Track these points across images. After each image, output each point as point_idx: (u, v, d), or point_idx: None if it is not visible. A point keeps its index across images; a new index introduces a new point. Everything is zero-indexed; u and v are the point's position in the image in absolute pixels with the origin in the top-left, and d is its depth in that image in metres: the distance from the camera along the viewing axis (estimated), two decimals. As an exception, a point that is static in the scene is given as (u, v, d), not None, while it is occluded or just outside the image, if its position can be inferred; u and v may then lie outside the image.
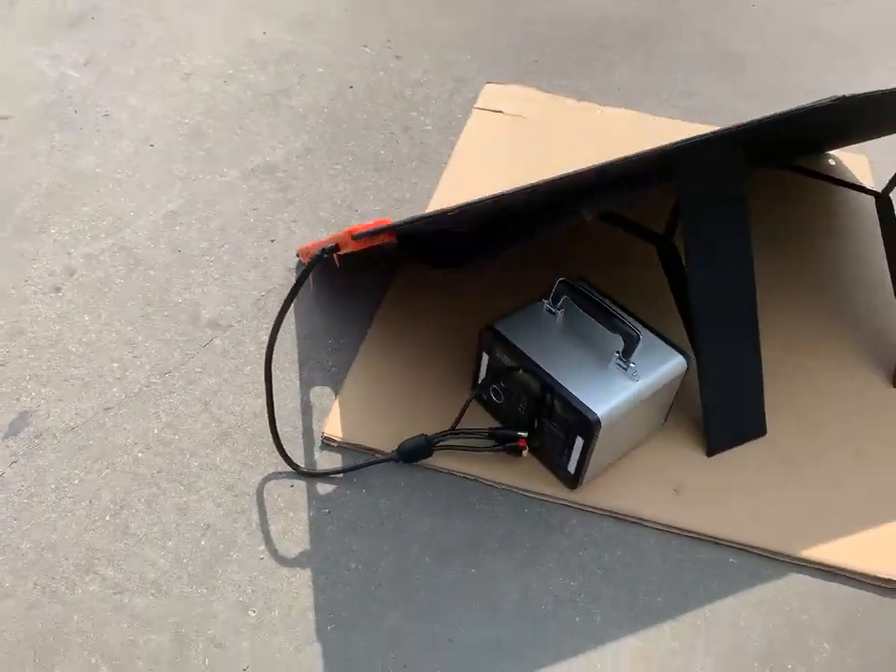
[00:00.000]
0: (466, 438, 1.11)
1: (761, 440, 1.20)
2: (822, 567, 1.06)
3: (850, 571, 1.05)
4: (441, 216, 0.88)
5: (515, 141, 1.72)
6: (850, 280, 1.47)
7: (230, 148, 1.66)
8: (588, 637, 0.98)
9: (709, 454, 1.17)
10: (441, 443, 1.11)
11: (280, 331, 1.02)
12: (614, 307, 1.07)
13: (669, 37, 2.18)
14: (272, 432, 1.08)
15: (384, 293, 1.36)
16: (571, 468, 1.07)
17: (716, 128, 1.01)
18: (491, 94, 1.86)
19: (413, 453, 1.10)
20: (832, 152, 1.77)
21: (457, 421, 1.12)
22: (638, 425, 1.11)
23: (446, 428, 1.11)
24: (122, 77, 1.83)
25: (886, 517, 1.12)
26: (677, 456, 1.16)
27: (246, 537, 1.04)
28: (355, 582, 1.01)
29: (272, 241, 1.46)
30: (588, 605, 1.01)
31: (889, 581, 1.05)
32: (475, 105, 1.83)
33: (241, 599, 0.98)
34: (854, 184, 1.55)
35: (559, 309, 1.10)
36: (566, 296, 1.09)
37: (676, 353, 1.08)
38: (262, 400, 1.17)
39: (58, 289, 1.34)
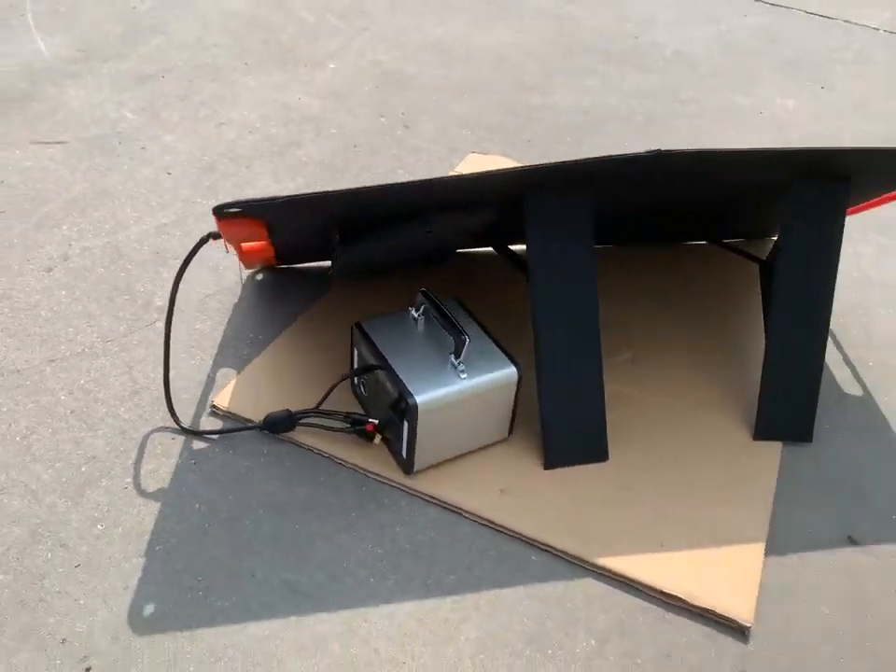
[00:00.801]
0: (326, 418, 1.27)
1: (603, 464, 1.29)
2: (615, 577, 1.13)
3: (639, 583, 1.12)
4: (290, 199, 1.08)
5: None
6: (733, 336, 1.54)
7: (232, 182, 1.95)
8: (374, 595, 1.09)
9: (546, 467, 1.27)
10: (304, 420, 1.27)
11: (214, 321, 1.24)
12: (459, 317, 1.22)
13: (668, 133, 2.35)
14: (165, 391, 1.28)
15: (315, 300, 1.55)
16: (404, 452, 1.20)
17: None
18: (472, 161, 2.08)
19: (276, 424, 1.27)
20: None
21: (320, 402, 1.28)
22: (471, 425, 1.23)
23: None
24: (167, 121, 2.18)
25: (694, 544, 1.18)
26: (515, 464, 1.27)
27: (120, 470, 1.23)
28: (194, 519, 1.17)
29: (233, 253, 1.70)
30: (386, 570, 1.12)
31: (673, 596, 1.10)
32: (453, 170, 2.05)
33: (95, 515, 1.16)
34: (743, 251, 1.63)
35: (420, 315, 1.26)
36: (424, 304, 1.25)
37: (509, 363, 1.21)
38: (175, 372, 1.39)
39: (50, 270, 1.62)
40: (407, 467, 1.22)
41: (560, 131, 2.31)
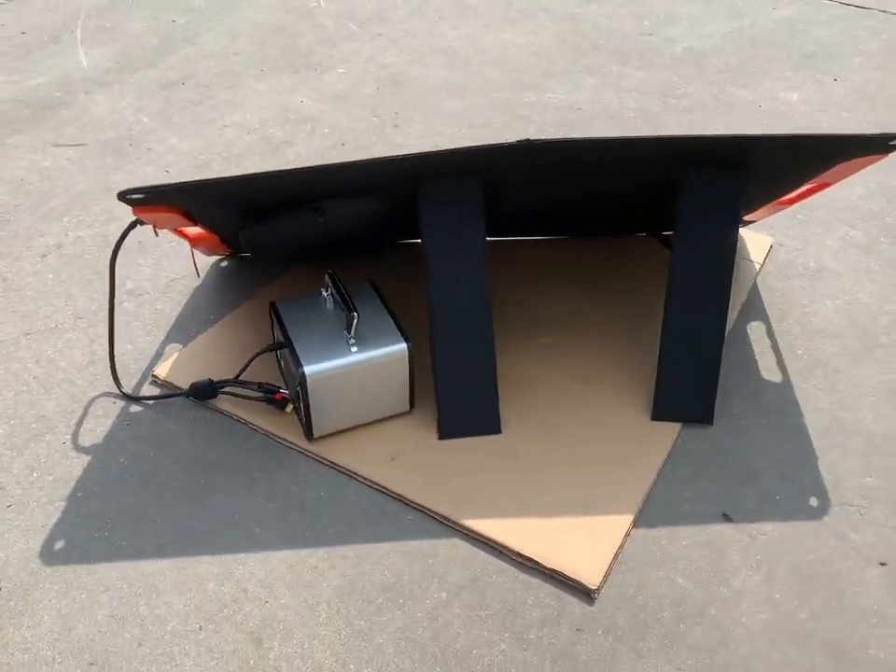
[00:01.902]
0: (243, 388, 1.40)
1: (496, 437, 1.36)
2: (479, 538, 1.21)
3: (499, 544, 1.20)
4: (197, 184, 1.21)
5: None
6: (656, 323, 1.57)
7: (221, 179, 2.12)
8: (256, 543, 1.22)
9: (440, 437, 1.36)
10: (225, 389, 1.41)
11: (174, 302, 1.53)
12: (364, 298, 1.34)
13: (654, 128, 2.38)
14: (110, 362, 1.45)
15: (268, 284, 1.69)
16: (304, 419, 1.32)
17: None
18: (449, 158, 2.18)
19: (200, 392, 1.41)
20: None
21: (239, 374, 1.41)
22: (367, 396, 1.34)
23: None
24: (178, 124, 2.37)
25: (563, 512, 1.24)
26: (411, 434, 1.36)
27: (63, 428, 1.40)
28: (115, 471, 1.33)
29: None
30: (272, 523, 1.25)
31: (528, 557, 1.18)
32: (429, 165, 2.15)
33: (33, 465, 1.34)
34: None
35: (329, 296, 1.38)
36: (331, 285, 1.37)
37: (400, 339, 1.31)
38: (131, 346, 1.56)
39: (44, 256, 1.82)
40: (308, 433, 1.33)
41: (546, 128, 2.37)
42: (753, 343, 1.59)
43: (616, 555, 1.19)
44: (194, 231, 1.48)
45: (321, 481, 1.31)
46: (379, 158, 1.21)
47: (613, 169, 1.35)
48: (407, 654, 1.08)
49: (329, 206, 1.28)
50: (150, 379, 1.50)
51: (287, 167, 2.17)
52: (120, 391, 1.45)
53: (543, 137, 1.19)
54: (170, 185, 1.17)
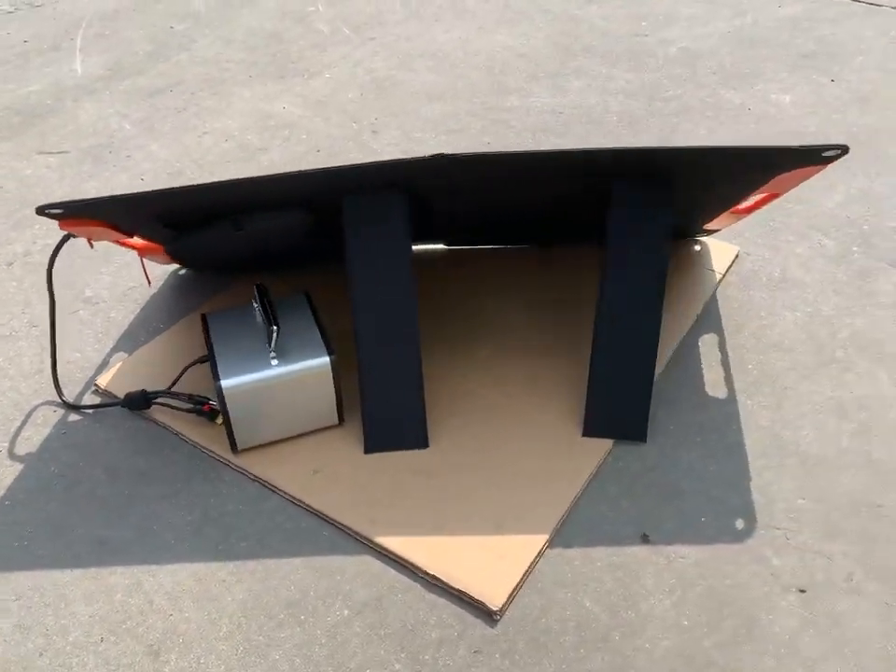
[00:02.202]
0: (174, 399, 1.41)
1: (423, 451, 1.35)
2: (389, 555, 1.20)
3: (408, 562, 1.19)
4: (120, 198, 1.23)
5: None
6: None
7: (192, 187, 2.14)
8: (169, 555, 1.23)
9: (366, 451, 1.35)
10: (158, 400, 1.42)
11: (128, 310, 1.56)
12: (294, 310, 1.34)
13: (634, 132, 2.33)
14: (52, 370, 1.47)
15: (220, 293, 1.70)
16: (228, 431, 1.33)
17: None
18: (419, 164, 2.17)
19: (134, 402, 1.42)
20: (703, 238, 1.83)
21: (171, 385, 1.43)
22: (291, 409, 1.33)
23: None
24: (158, 132, 2.41)
25: (477, 531, 1.23)
26: (338, 447, 1.36)
27: (1, 436, 1.43)
28: (44, 479, 1.35)
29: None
30: (187, 535, 1.25)
31: (434, 577, 1.16)
32: (399, 172, 2.14)
33: (-32, 470, 1.37)
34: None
35: (258, 308, 1.38)
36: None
37: (323, 353, 1.31)
38: (80, 355, 1.58)
39: (10, 264, 1.86)
40: (232, 445, 1.34)
41: (523, 133, 2.35)
42: (703, 356, 1.55)
43: (525, 576, 1.17)
44: (142, 241, 1.49)
45: (242, 494, 1.31)
46: (294, 171, 1.21)
47: (541, 182, 1.33)
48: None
49: (248, 220, 1.28)
50: (92, 388, 1.52)
51: (260, 174, 2.18)
52: (61, 400, 1.48)
53: (464, 152, 1.17)
54: (85, 200, 1.18)
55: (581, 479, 1.30)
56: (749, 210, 1.63)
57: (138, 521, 1.28)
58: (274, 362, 1.29)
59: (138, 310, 1.72)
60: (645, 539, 1.23)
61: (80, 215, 1.25)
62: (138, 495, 1.32)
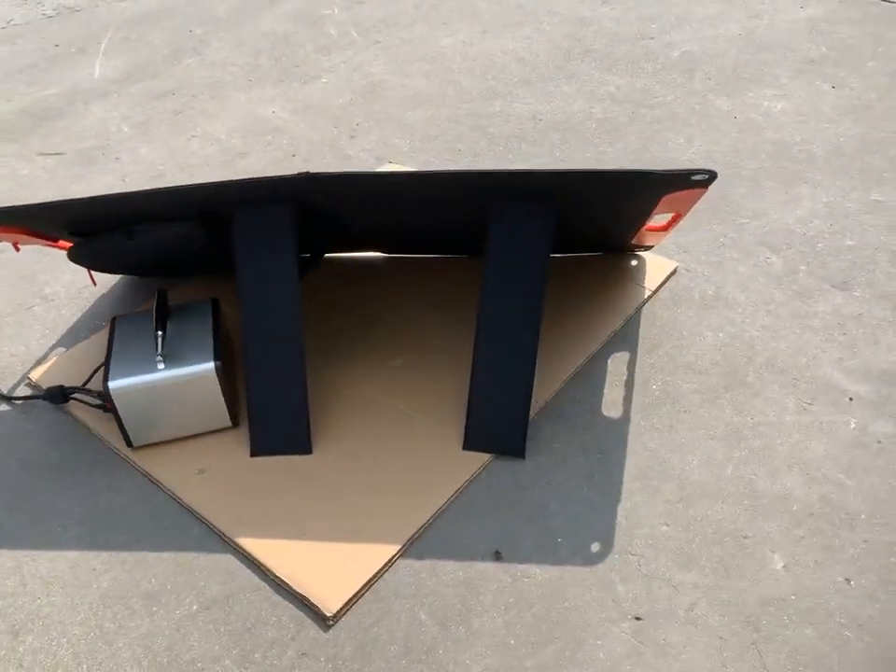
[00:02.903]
0: (87, 395, 1.50)
1: (306, 457, 1.40)
2: (247, 556, 1.26)
3: (260, 563, 1.24)
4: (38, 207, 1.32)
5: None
6: None
7: (168, 189, 2.24)
8: (53, 542, 1.31)
9: (251, 454, 1.41)
10: (74, 395, 1.52)
11: (77, 308, 1.69)
12: (194, 315, 1.41)
13: (611, 140, 2.31)
14: (-12, 363, 1.59)
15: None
16: (121, 428, 1.41)
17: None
18: (385, 170, 2.21)
19: (53, 396, 1.52)
20: (642, 253, 1.81)
21: (86, 382, 1.52)
22: (180, 411, 1.40)
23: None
24: (152, 134, 2.53)
25: (333, 537, 1.26)
26: (228, 449, 1.42)
27: (-62, 422, 1.56)
28: (-35, 465, 1.47)
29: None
30: (73, 525, 1.34)
31: (280, 579, 1.21)
32: (361, 178, 2.19)
33: None
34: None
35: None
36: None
37: (209, 359, 1.37)
38: (24, 349, 1.70)
39: (-13, 260, 2.01)
40: (126, 441, 1.42)
41: (497, 140, 2.35)
42: (608, 374, 1.54)
43: (369, 584, 1.21)
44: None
45: (132, 488, 1.39)
46: (183, 185, 1.28)
47: (429, 202, 1.35)
48: (136, 661, 1.15)
49: (142, 230, 1.35)
50: (26, 381, 1.63)
51: (242, 173, 2.27)
52: (-4, 391, 1.59)
53: (317, 171, 1.21)
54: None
55: (448, 491, 1.32)
56: (667, 227, 1.60)
57: (35, 509, 1.38)
58: (161, 366, 1.36)
59: (87, 308, 1.82)
60: (497, 557, 1.24)
61: (-5, 222, 1.35)
62: (42, 484, 1.42)
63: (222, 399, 1.41)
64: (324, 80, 2.80)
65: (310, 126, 2.51)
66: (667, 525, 1.27)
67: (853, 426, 1.41)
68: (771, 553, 1.22)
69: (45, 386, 1.59)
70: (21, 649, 1.17)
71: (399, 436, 1.43)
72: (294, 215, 1.35)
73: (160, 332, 1.35)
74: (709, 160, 2.19)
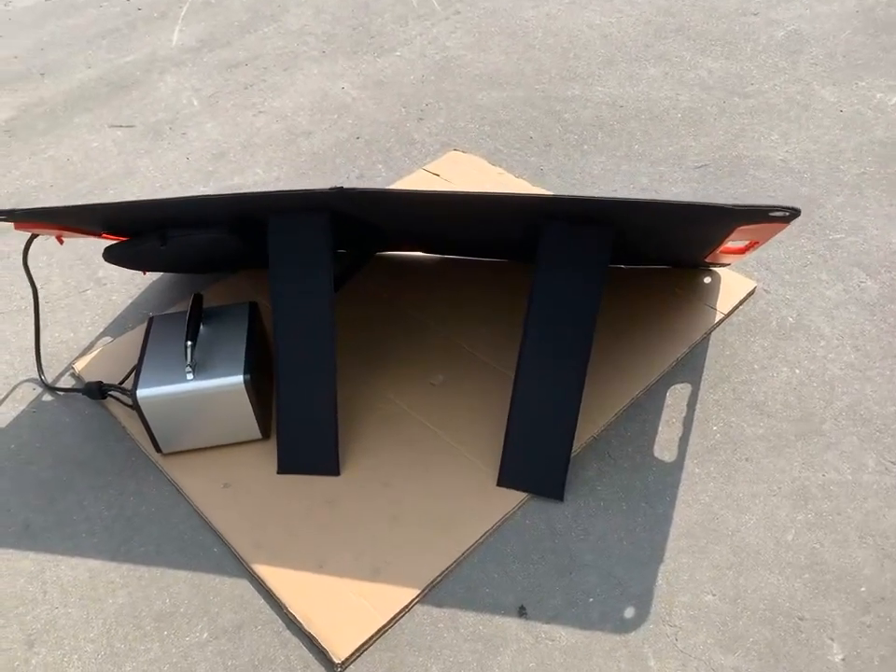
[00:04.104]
0: (123, 393, 1.48)
1: (332, 478, 1.34)
2: (262, 584, 1.21)
3: (274, 595, 1.19)
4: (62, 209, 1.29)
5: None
6: None
7: (230, 169, 2.20)
8: (77, 547, 1.30)
9: (279, 471, 1.36)
10: (111, 392, 1.50)
11: (128, 295, 1.70)
12: (230, 322, 1.37)
13: (694, 134, 2.12)
14: (35, 352, 1.59)
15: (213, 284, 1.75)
16: (149, 435, 1.38)
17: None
18: (448, 159, 2.10)
19: (90, 391, 1.51)
20: (718, 269, 1.65)
21: (123, 380, 1.50)
22: (210, 421, 1.36)
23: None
24: (220, 108, 2.48)
25: (353, 574, 1.20)
26: (255, 463, 1.38)
27: (-16, 408, 1.57)
28: (2, 455, 1.47)
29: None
30: (98, 530, 1.33)
31: (293, 616, 1.16)
32: (424, 166, 2.09)
33: (-53, 439, 1.52)
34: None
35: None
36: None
37: (238, 372, 1.32)
38: (73, 335, 1.70)
39: (47, 238, 2.01)
40: (155, 446, 1.39)
41: (572, 128, 2.20)
42: (665, 409, 1.41)
43: (384, 630, 1.14)
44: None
45: (158, 497, 1.37)
46: (214, 195, 1.21)
47: (469, 216, 1.24)
48: (141, 688, 1.12)
49: (175, 235, 1.30)
50: (70, 371, 1.63)
51: (290, 161, 2.20)
52: (40, 379, 1.59)
53: (362, 187, 1.12)
54: (23, 209, 1.25)
55: (477, 532, 1.24)
56: (744, 251, 1.44)
57: (63, 509, 1.37)
58: (189, 377, 1.31)
59: (138, 295, 1.80)
60: (522, 612, 1.15)
61: (26, 220, 1.33)
62: (73, 483, 1.41)
63: (251, 412, 1.36)
64: (398, 53, 2.68)
65: (378, 105, 2.41)
66: (713, 595, 1.15)
67: (941, 492, 1.24)
68: (829, 642, 1.09)
69: (86, 379, 1.58)
70: (33, 661, 1.17)
71: (430, 463, 1.35)
72: (328, 223, 1.27)
73: (189, 343, 1.30)
74: (805, 160, 1.98)
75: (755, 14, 2.65)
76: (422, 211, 1.22)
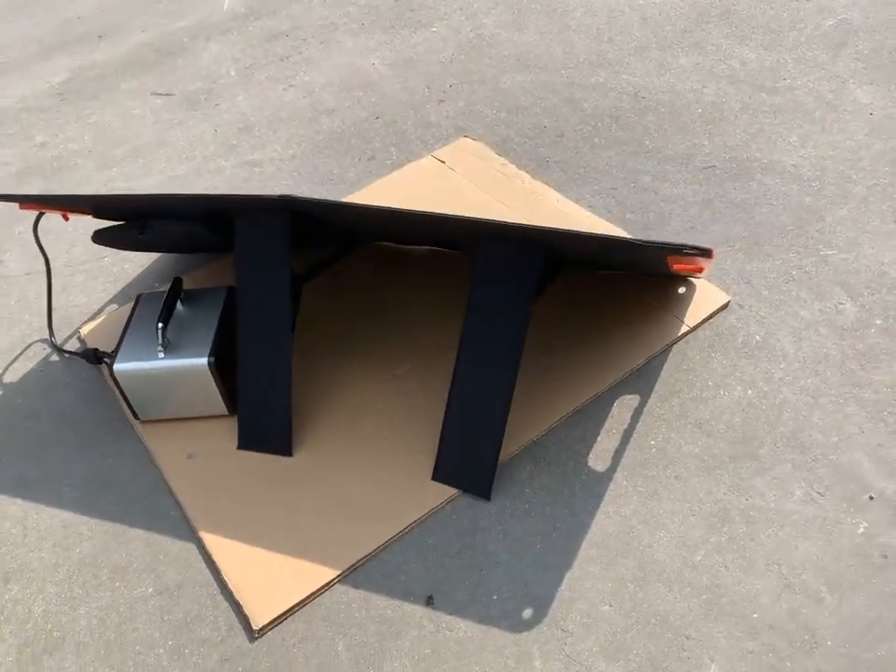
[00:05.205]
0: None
1: (286, 458, 1.45)
2: (205, 549, 1.34)
3: (213, 561, 1.32)
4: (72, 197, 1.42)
5: (424, 188, 1.99)
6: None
7: (251, 144, 2.30)
8: (59, 499, 1.46)
9: (238, 447, 1.48)
10: (105, 360, 1.64)
11: (140, 265, 1.81)
12: (205, 305, 1.48)
13: (714, 132, 2.09)
14: (47, 315, 1.75)
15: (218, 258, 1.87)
16: (126, 403, 1.51)
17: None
18: (457, 146, 2.13)
19: (87, 357, 1.65)
20: (694, 279, 1.66)
21: (115, 349, 1.63)
22: (179, 396, 1.48)
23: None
24: (254, 81, 2.58)
25: (286, 549, 1.31)
26: (220, 437, 1.50)
27: (2, 361, 1.74)
28: (6, 410, 1.64)
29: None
30: (79, 485, 1.48)
31: (225, 582, 1.28)
32: (432, 153, 2.13)
33: (-35, 388, 1.70)
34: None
35: (181, 299, 1.53)
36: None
37: (204, 354, 1.43)
38: (86, 299, 1.86)
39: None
40: (133, 414, 1.53)
41: (588, 118, 2.19)
42: (609, 419, 1.45)
43: (302, 603, 1.25)
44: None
45: (132, 461, 1.51)
46: (179, 194, 1.32)
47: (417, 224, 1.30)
48: (90, 631, 1.27)
49: (152, 224, 1.40)
50: (77, 335, 1.78)
51: (309, 139, 2.28)
52: (51, 340, 1.75)
53: (307, 196, 1.19)
54: (15, 196, 1.38)
55: (404, 521, 1.33)
56: (700, 269, 1.45)
57: (52, 464, 1.53)
58: (161, 355, 1.43)
59: (150, 264, 1.94)
60: (429, 602, 1.24)
61: (26, 203, 1.46)
62: (65, 440, 1.57)
63: (217, 390, 1.47)
64: (434, 29, 2.70)
65: (402, 84, 2.45)
66: (610, 606, 1.21)
67: (861, 530, 1.25)
68: (709, 662, 1.13)
69: (90, 343, 1.73)
70: (6, 596, 1.34)
71: (378, 452, 1.44)
72: (288, 223, 1.35)
73: (160, 324, 1.42)
74: (818, 167, 1.92)
75: (808, 0, 2.54)
76: (372, 219, 1.28)
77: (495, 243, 1.23)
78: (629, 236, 1.13)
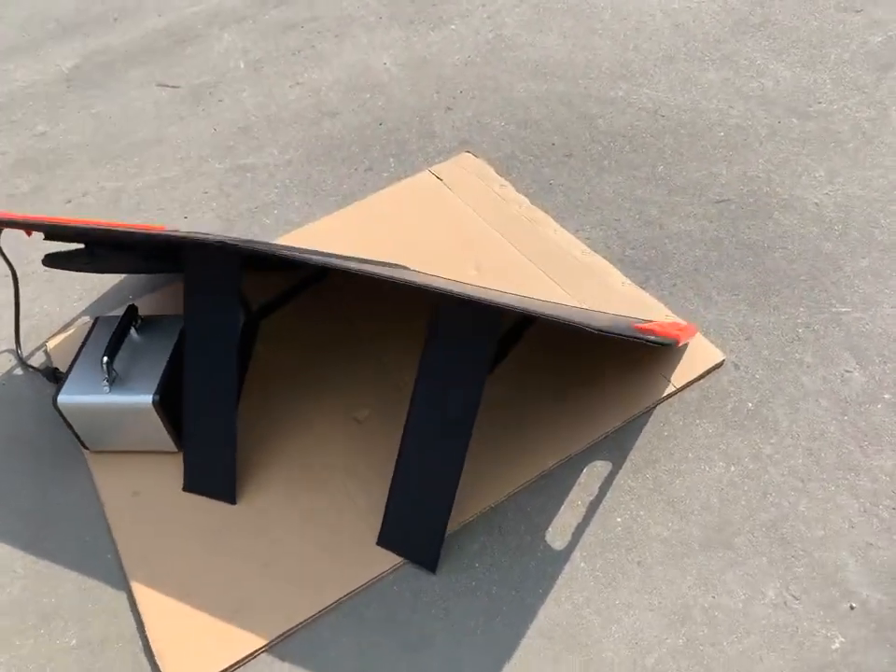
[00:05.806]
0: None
1: (230, 506, 1.38)
2: (135, 604, 1.28)
3: (140, 614, 1.25)
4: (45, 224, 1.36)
5: (414, 209, 1.88)
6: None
7: (248, 147, 2.21)
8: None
9: (183, 488, 1.41)
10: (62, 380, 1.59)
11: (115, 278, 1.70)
12: (157, 337, 1.41)
13: (731, 163, 1.93)
14: (15, 328, 1.69)
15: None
16: (74, 434, 1.45)
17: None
18: (457, 162, 2.01)
19: (47, 375, 1.60)
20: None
21: (68, 371, 1.57)
22: (126, 431, 1.41)
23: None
24: (261, 74, 2.48)
25: (218, 608, 1.24)
26: (167, 475, 1.43)
27: (-36, 373, 1.71)
28: (-34, 425, 1.60)
29: (185, 218, 2.00)
30: (18, 517, 1.43)
31: (149, 641, 1.22)
32: (431, 167, 2.01)
33: (-73, 399, 1.66)
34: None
35: (136, 327, 1.46)
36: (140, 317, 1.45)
37: (149, 392, 1.36)
38: (59, 309, 1.80)
39: (69, 202, 2.11)
40: (81, 443, 1.47)
41: (601, 137, 2.05)
42: (575, 488, 1.34)
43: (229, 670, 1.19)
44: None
45: (77, 494, 1.45)
46: (138, 233, 1.23)
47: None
48: (5, 683, 1.22)
49: (100, 254, 1.33)
50: (44, 348, 1.73)
51: (306, 144, 2.18)
52: (17, 352, 1.70)
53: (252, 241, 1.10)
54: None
55: (342, 589, 1.25)
56: (679, 339, 1.32)
57: (-2, 489, 1.48)
58: (105, 390, 1.37)
59: (122, 279, 1.87)
60: (356, 683, 1.16)
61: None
62: (14, 464, 1.52)
63: (163, 428, 1.40)
64: (453, 27, 2.57)
65: (412, 87, 2.32)
66: (545, 709, 1.11)
67: (836, 646, 1.13)
68: None
69: (55, 357, 1.67)
70: (-69, 634, 1.30)
71: (327, 506, 1.35)
72: (238, 257, 1.26)
73: (105, 359, 1.35)
74: (843, 208, 1.76)
75: (858, 11, 2.34)
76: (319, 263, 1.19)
77: (448, 307, 1.12)
78: (589, 322, 1.01)
